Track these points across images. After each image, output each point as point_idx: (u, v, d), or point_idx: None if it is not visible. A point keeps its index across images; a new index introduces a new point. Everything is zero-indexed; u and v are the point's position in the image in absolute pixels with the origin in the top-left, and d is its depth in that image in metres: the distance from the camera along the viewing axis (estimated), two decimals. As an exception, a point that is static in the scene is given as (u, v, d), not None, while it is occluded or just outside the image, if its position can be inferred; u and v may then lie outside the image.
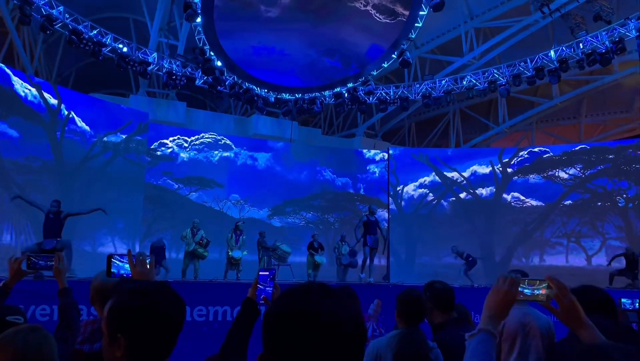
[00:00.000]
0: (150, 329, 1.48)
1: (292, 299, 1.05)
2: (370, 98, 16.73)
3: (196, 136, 16.01)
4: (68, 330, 2.67)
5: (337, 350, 0.98)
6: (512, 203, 16.84)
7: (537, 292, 1.64)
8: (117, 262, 2.15)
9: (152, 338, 1.49)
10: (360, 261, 12.53)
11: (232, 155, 16.50)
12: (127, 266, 2.10)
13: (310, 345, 0.97)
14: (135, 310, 1.48)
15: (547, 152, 16.79)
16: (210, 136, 16.23)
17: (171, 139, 15.58)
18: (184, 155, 15.69)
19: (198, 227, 11.64)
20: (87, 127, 13.41)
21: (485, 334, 1.54)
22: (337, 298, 1.04)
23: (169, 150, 15.49)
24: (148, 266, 2.03)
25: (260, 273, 2.56)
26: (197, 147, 15.96)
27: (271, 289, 2.55)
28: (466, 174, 17.30)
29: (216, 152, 16.21)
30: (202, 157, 15.96)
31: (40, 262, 2.91)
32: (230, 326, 2.30)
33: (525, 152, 17.04)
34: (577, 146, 17.04)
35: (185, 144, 15.80)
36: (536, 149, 17.03)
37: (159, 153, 15.34)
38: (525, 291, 1.64)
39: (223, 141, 16.45)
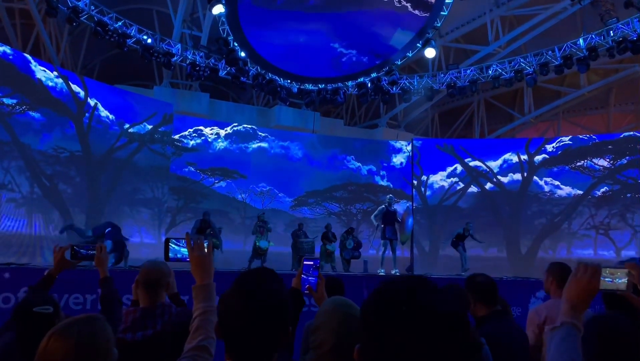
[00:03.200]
0: None
1: (396, 291, 1.02)
2: (394, 88, 16.56)
3: (220, 128, 16.05)
4: (110, 320, 2.67)
5: (440, 342, 0.95)
6: (539, 194, 16.56)
7: (619, 281, 1.58)
8: (174, 246, 2.15)
9: None
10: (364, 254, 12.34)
11: (255, 146, 16.50)
12: (183, 250, 2.09)
13: (415, 336, 0.94)
14: None
15: (575, 142, 16.46)
16: (233, 127, 16.26)
17: (195, 130, 15.65)
18: (207, 146, 15.74)
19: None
20: (112, 118, 13.52)
21: (570, 328, 1.46)
22: (442, 293, 1.01)
23: (193, 141, 15.56)
24: (206, 250, 2.02)
25: (305, 262, 2.53)
26: (220, 138, 16.00)
27: (315, 279, 2.52)
28: (492, 164, 17.05)
29: (239, 143, 16.24)
30: (226, 148, 16.00)
31: (82, 251, 2.93)
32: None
33: (553, 143, 16.73)
34: (605, 137, 16.69)
35: (209, 136, 15.85)
36: (563, 140, 16.70)
37: (192, 143, 15.42)
38: (607, 280, 1.57)
39: (246, 132, 16.47)
